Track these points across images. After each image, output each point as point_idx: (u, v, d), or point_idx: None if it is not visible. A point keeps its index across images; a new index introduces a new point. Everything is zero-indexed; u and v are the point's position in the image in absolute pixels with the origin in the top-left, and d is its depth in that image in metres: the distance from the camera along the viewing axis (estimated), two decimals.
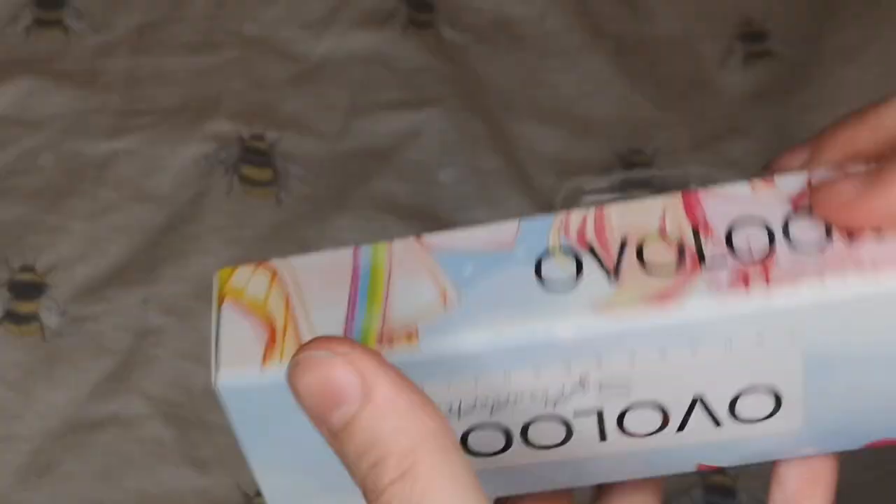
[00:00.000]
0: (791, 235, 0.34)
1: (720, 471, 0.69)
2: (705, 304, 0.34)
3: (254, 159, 0.79)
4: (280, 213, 0.77)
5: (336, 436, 0.30)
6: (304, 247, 0.76)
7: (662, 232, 0.34)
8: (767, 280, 0.34)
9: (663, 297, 0.34)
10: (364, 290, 0.36)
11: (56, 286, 0.72)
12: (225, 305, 0.36)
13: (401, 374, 0.30)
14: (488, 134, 0.81)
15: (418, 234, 0.36)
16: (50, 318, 0.71)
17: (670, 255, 0.34)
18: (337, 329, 0.35)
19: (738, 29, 0.86)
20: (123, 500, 0.66)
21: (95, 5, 0.86)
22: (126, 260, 0.74)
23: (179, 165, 0.78)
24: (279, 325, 0.36)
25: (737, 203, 0.34)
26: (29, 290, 0.72)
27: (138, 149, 0.79)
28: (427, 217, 0.78)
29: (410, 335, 0.35)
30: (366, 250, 0.36)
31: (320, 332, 0.35)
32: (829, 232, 0.34)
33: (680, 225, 0.34)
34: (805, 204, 0.34)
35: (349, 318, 0.35)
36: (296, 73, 0.84)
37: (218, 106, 0.82)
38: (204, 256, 0.74)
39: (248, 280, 0.36)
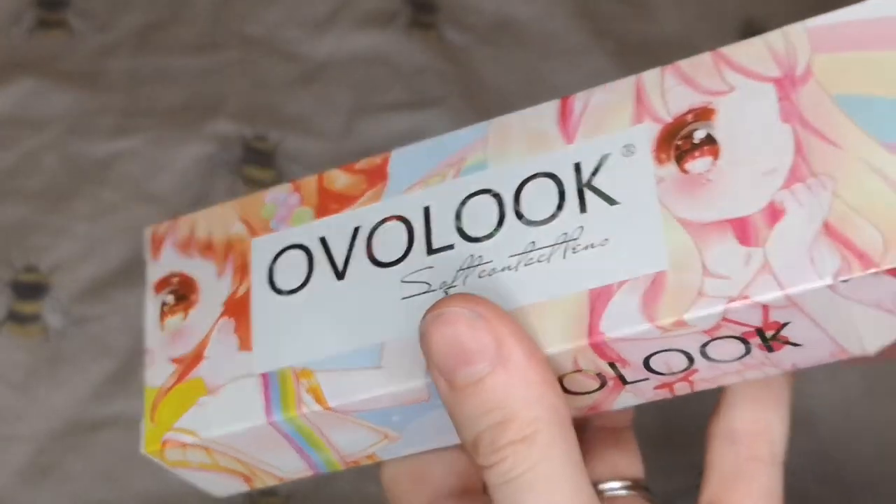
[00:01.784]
0: (710, 355, 0.35)
1: None
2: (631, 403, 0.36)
3: (256, 160, 0.79)
4: None
5: (458, 391, 0.31)
6: None
7: (578, 370, 0.35)
8: (692, 386, 0.36)
9: (592, 408, 0.36)
10: (305, 444, 0.37)
11: (59, 287, 0.72)
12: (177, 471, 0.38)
13: (535, 345, 0.32)
14: None
15: (327, 407, 0.36)
16: (53, 319, 0.71)
17: (592, 383, 0.36)
18: (304, 468, 0.38)
19: (740, 29, 0.86)
20: (126, 501, 0.66)
21: (98, 6, 0.86)
22: (129, 260, 0.74)
23: (182, 166, 0.78)
24: (247, 475, 0.38)
25: (648, 342, 0.34)
26: (32, 290, 0.72)
27: (141, 149, 0.79)
28: None
29: (371, 457, 0.38)
30: (281, 421, 0.36)
31: (290, 476, 0.38)
32: (748, 350, 0.35)
33: (595, 363, 0.35)
34: (721, 332, 0.34)
35: (308, 462, 0.38)
36: (298, 73, 0.84)
37: (220, 106, 0.82)
38: None
39: (185, 454, 0.38)
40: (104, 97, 0.81)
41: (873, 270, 0.31)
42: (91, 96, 0.81)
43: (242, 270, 0.39)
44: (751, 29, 0.86)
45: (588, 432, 0.41)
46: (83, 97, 0.81)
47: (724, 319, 0.33)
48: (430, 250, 0.36)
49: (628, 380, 0.36)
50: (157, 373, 0.39)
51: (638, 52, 0.85)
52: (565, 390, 0.36)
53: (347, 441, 0.37)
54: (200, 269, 0.39)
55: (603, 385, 0.36)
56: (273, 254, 0.39)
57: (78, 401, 0.69)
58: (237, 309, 0.38)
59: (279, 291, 0.38)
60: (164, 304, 0.40)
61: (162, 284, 0.40)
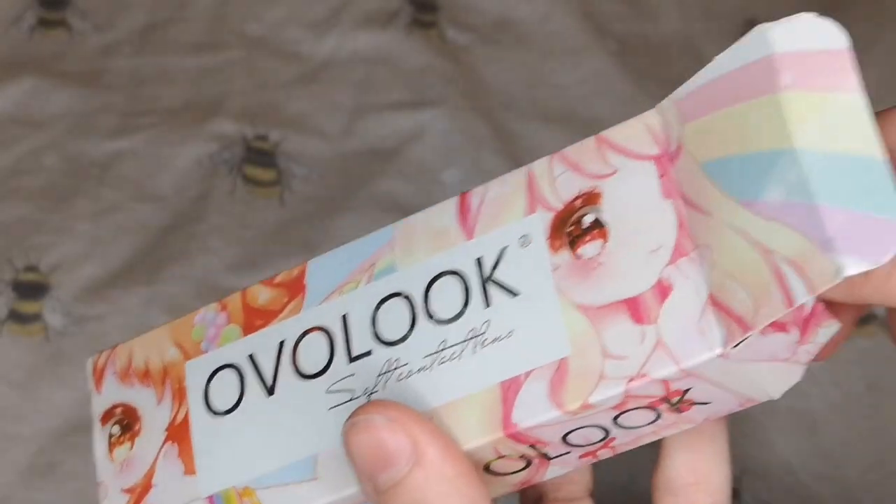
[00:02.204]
0: (623, 424, 0.36)
1: None
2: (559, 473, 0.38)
3: (257, 159, 0.79)
4: (283, 213, 0.77)
5: (381, 494, 0.32)
6: (308, 247, 0.76)
7: (501, 456, 0.36)
8: (613, 451, 0.37)
9: (525, 483, 0.38)
10: None
11: (59, 286, 0.72)
12: None
13: (450, 441, 0.33)
14: (492, 134, 0.81)
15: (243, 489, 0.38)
16: (53, 318, 0.71)
17: (518, 464, 0.37)
18: None
19: (742, 29, 0.86)
20: None
21: (99, 5, 0.86)
22: (129, 260, 0.74)
23: (183, 165, 0.78)
24: None
25: (562, 424, 0.35)
26: (32, 290, 0.72)
27: (142, 149, 0.79)
28: None
29: None
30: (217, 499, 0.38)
31: None
32: (658, 415, 0.36)
33: (515, 448, 0.36)
34: (628, 406, 0.35)
35: None
36: (299, 73, 0.84)
37: (221, 106, 0.82)
38: (207, 256, 0.74)
39: None
40: (105, 97, 0.81)
41: (749, 334, 0.32)
42: (92, 96, 0.81)
43: (180, 395, 0.40)
44: (751, 29, 0.86)
45: None
46: (84, 97, 0.81)
47: (628, 396, 0.34)
48: (351, 358, 0.38)
49: (551, 456, 0.37)
50: None
51: (639, 52, 0.85)
52: (493, 473, 0.37)
53: None
54: (141, 397, 0.40)
55: (529, 464, 0.37)
56: (206, 375, 0.40)
57: (79, 400, 0.69)
58: (179, 434, 0.39)
59: (215, 412, 0.39)
60: (111, 435, 0.41)
61: (107, 416, 0.41)
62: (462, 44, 0.87)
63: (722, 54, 0.35)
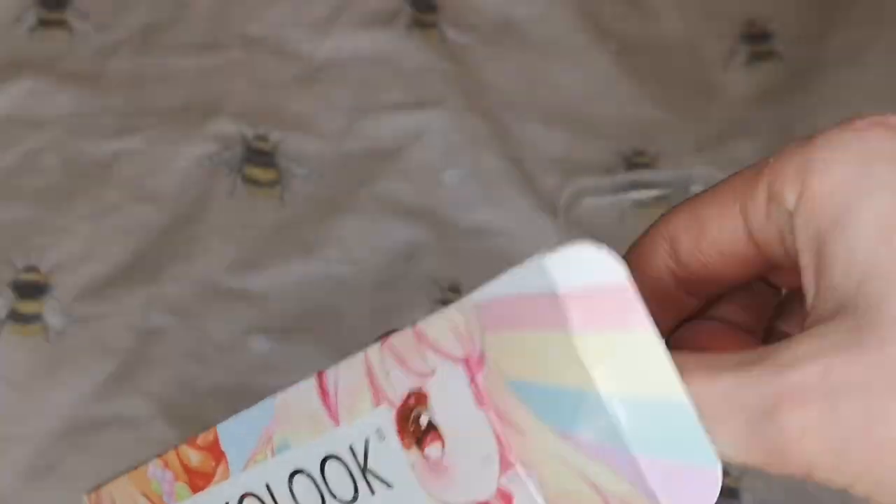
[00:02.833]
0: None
1: (724, 472, 0.69)
2: None
3: (257, 160, 0.79)
4: (284, 214, 0.77)
5: None
6: (308, 247, 0.76)
7: None
8: None
9: None
10: None
11: (59, 286, 0.72)
12: None
13: None
14: (492, 135, 0.81)
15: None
16: (53, 319, 0.71)
17: None
18: None
19: (742, 29, 0.86)
20: None
21: (99, 5, 0.86)
22: (129, 260, 0.74)
23: (183, 166, 0.78)
24: None
25: None
26: (32, 290, 0.72)
27: (142, 149, 0.79)
28: (430, 218, 0.78)
29: None
30: None
31: None
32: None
33: None
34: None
35: None
36: (299, 73, 0.84)
37: (221, 106, 0.82)
38: (207, 257, 0.74)
39: None
40: (105, 97, 0.81)
41: None
42: (92, 96, 0.81)
43: None
44: (753, 29, 0.86)
45: None
46: (84, 97, 0.81)
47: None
48: None
49: None
50: None
51: (639, 53, 0.85)
52: None
53: None
54: None
55: None
56: None
57: (78, 400, 0.69)
58: None
59: None
60: None
61: None
62: (462, 44, 0.87)
63: (510, 272, 0.32)
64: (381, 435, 0.35)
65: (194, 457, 0.40)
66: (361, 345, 0.35)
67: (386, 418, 0.35)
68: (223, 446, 0.39)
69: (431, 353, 0.34)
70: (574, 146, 0.81)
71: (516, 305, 0.32)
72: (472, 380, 0.33)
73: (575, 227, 0.77)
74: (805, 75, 0.83)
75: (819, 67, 0.83)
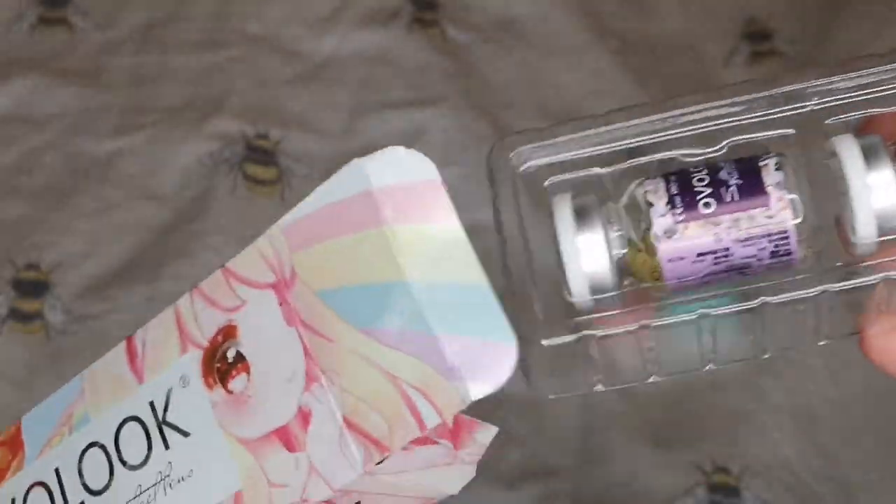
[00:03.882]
0: None
1: (724, 470, 0.69)
2: None
3: (258, 158, 0.79)
4: (284, 212, 0.77)
5: None
6: None
7: None
8: None
9: None
10: None
11: (60, 284, 0.72)
12: None
13: None
14: (492, 133, 0.81)
15: None
16: (54, 317, 0.71)
17: None
18: None
19: (743, 28, 0.86)
20: None
21: (100, 3, 0.86)
22: (130, 258, 0.74)
23: (184, 164, 0.78)
24: None
25: None
26: (33, 288, 0.72)
27: (143, 147, 0.79)
28: None
29: None
30: None
31: None
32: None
33: None
34: None
35: None
36: (300, 71, 0.84)
37: (222, 104, 0.82)
38: (208, 255, 0.75)
39: None
40: (106, 95, 0.81)
41: (387, 455, 0.33)
42: (92, 94, 0.81)
43: None
44: (754, 28, 0.86)
45: None
46: (85, 95, 0.81)
47: None
48: None
49: None
50: None
51: (640, 51, 0.85)
52: None
53: None
54: None
55: None
56: None
57: None
58: None
59: None
60: None
61: None
62: (463, 42, 0.87)
63: (323, 185, 0.36)
64: (184, 381, 0.36)
65: None
66: None
67: (192, 363, 0.36)
68: (24, 436, 0.40)
69: (240, 285, 0.36)
70: None
71: (330, 215, 0.35)
72: (282, 301, 0.35)
73: None
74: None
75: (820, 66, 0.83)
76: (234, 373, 0.36)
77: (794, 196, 0.34)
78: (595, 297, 0.35)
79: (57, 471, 0.39)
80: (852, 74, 0.36)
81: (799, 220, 0.34)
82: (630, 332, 0.35)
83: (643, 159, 0.37)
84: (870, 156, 0.34)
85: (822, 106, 0.36)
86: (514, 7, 0.88)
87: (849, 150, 0.34)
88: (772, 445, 0.70)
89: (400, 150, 0.35)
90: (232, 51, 0.84)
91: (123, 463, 0.38)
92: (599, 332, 0.35)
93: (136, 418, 0.38)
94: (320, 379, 0.34)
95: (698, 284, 0.35)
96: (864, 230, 0.33)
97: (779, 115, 0.36)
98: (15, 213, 0.75)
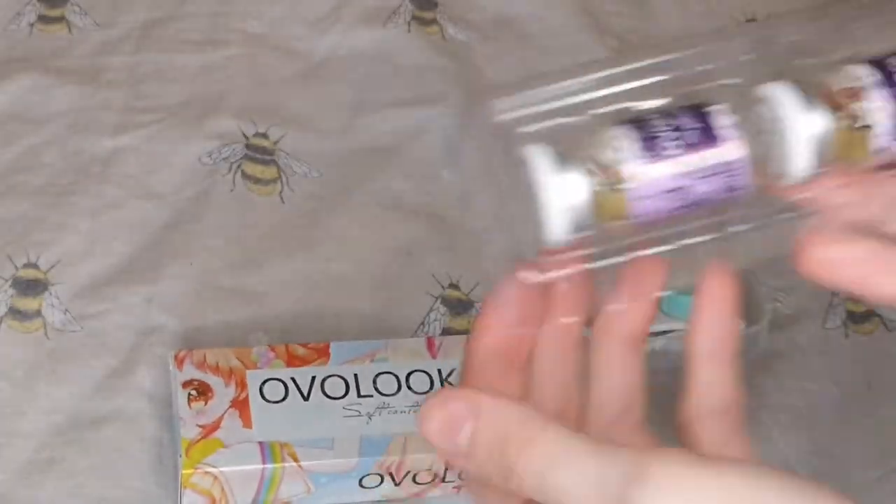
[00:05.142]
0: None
1: None
2: None
3: (257, 157, 0.79)
4: (284, 211, 0.77)
5: (465, 454, 0.39)
6: (307, 245, 0.76)
7: None
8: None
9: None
10: (266, 486, 0.63)
11: (59, 283, 0.72)
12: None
13: (488, 388, 0.40)
14: None
15: (300, 465, 0.63)
16: (53, 315, 0.71)
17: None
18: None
19: (741, 27, 0.86)
20: (126, 497, 0.66)
21: (99, 2, 0.86)
22: (129, 257, 0.74)
23: (183, 163, 0.78)
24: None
25: None
26: (32, 286, 0.72)
27: (142, 146, 0.79)
28: (430, 215, 0.78)
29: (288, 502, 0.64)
30: (268, 470, 0.63)
31: None
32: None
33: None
34: None
35: (258, 499, 0.64)
36: (300, 70, 0.84)
37: (222, 103, 0.82)
38: (207, 254, 0.74)
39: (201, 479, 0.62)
40: (105, 93, 0.81)
41: None
42: (92, 93, 0.81)
43: (242, 385, 0.65)
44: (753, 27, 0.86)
45: None
46: (84, 93, 0.81)
47: None
48: (359, 395, 0.65)
49: None
50: None
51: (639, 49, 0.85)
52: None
53: (287, 489, 0.63)
54: (213, 380, 0.65)
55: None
56: (261, 380, 0.65)
57: (78, 397, 0.69)
58: (240, 405, 0.64)
59: (268, 401, 0.65)
60: (189, 394, 0.64)
61: (186, 384, 0.65)
62: (462, 41, 0.87)
63: None
64: None
65: (300, 351, 0.67)
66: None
67: None
68: (332, 350, 0.67)
69: None
70: None
71: None
72: None
73: None
74: None
75: None
76: None
77: (742, 136, 0.38)
78: (573, 235, 0.38)
79: (356, 375, 0.65)
80: (784, 32, 0.42)
81: (747, 156, 0.38)
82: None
83: (606, 109, 0.40)
84: (803, 100, 0.39)
85: (758, 56, 0.41)
86: (514, 6, 0.88)
87: (785, 94, 0.39)
88: (770, 444, 0.70)
89: None
90: (231, 50, 0.84)
91: (409, 388, 0.65)
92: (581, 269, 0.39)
93: (425, 372, 0.66)
94: None
95: (662, 220, 0.39)
96: (797, 162, 0.39)
97: (723, 65, 0.40)
98: (14, 211, 0.75)
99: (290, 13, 0.86)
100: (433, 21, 0.87)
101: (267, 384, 0.65)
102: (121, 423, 0.68)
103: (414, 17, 0.87)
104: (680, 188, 0.38)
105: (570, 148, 0.38)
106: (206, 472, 0.62)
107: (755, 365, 0.72)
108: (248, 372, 0.65)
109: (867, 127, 0.39)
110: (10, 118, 0.79)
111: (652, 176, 0.38)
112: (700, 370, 0.41)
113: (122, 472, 0.66)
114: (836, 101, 0.39)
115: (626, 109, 0.39)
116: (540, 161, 0.38)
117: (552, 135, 0.39)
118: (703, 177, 0.38)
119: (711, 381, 0.41)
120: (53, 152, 0.78)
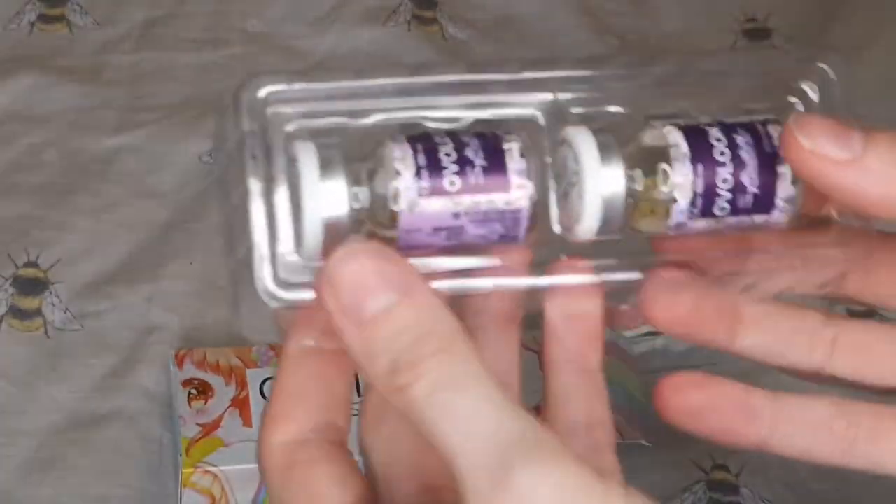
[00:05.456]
0: None
1: (724, 468, 0.70)
2: None
3: None
4: None
5: (367, 324, 0.32)
6: None
7: None
8: None
9: None
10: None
11: (59, 282, 0.72)
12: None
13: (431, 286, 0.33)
14: None
15: None
16: (53, 314, 0.71)
17: None
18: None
19: (742, 26, 0.86)
20: (126, 496, 0.66)
21: (100, 1, 0.86)
22: (130, 256, 0.74)
23: (183, 162, 0.78)
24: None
25: None
26: (32, 285, 0.72)
27: (142, 145, 0.79)
28: None
29: None
30: None
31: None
32: None
33: None
34: None
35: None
36: (299, 69, 0.84)
37: (222, 102, 0.81)
38: (208, 253, 0.74)
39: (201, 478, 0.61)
40: (105, 92, 0.81)
41: None
42: (92, 92, 0.81)
43: (242, 384, 0.65)
44: (753, 26, 0.86)
45: None
46: (84, 92, 0.81)
47: None
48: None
49: None
50: None
51: (639, 50, 0.85)
52: None
53: None
54: (213, 380, 0.65)
55: None
56: (261, 379, 0.65)
57: (79, 396, 0.69)
58: (240, 404, 0.64)
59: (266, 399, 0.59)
60: (189, 393, 0.64)
61: (187, 383, 0.65)
62: (462, 40, 0.87)
63: None
64: None
65: None
66: None
67: None
68: None
69: None
70: None
71: None
72: None
73: None
74: None
75: None
76: None
77: (532, 184, 0.35)
78: (328, 242, 0.34)
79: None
80: (596, 72, 0.37)
81: (532, 206, 0.35)
82: None
83: (392, 116, 0.37)
84: (603, 150, 0.35)
85: (566, 97, 0.37)
86: (514, 5, 0.88)
87: (584, 141, 0.35)
88: None
89: None
90: (232, 49, 0.84)
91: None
92: None
93: None
94: None
95: (429, 253, 0.35)
96: (588, 221, 0.35)
97: (526, 97, 0.37)
98: (14, 210, 0.75)
99: (290, 12, 0.86)
100: (433, 20, 0.87)
101: (267, 383, 0.65)
102: (121, 423, 0.68)
103: (414, 17, 0.87)
104: (454, 227, 0.35)
105: (345, 157, 0.35)
106: (207, 471, 0.62)
107: (756, 364, 0.72)
108: (248, 371, 0.66)
109: (672, 199, 0.36)
110: (10, 117, 0.79)
111: (428, 210, 0.35)
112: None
113: (122, 472, 0.66)
114: (643, 162, 0.36)
115: (418, 125, 0.36)
116: (309, 161, 0.34)
117: (326, 136, 0.35)
118: (482, 221, 0.35)
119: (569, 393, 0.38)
120: (54, 151, 0.78)
